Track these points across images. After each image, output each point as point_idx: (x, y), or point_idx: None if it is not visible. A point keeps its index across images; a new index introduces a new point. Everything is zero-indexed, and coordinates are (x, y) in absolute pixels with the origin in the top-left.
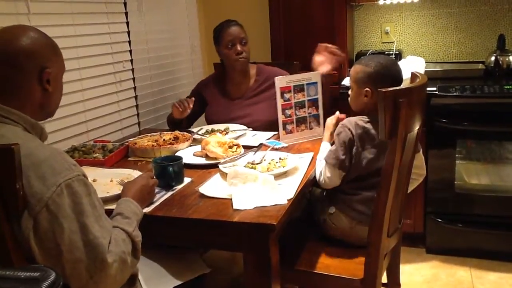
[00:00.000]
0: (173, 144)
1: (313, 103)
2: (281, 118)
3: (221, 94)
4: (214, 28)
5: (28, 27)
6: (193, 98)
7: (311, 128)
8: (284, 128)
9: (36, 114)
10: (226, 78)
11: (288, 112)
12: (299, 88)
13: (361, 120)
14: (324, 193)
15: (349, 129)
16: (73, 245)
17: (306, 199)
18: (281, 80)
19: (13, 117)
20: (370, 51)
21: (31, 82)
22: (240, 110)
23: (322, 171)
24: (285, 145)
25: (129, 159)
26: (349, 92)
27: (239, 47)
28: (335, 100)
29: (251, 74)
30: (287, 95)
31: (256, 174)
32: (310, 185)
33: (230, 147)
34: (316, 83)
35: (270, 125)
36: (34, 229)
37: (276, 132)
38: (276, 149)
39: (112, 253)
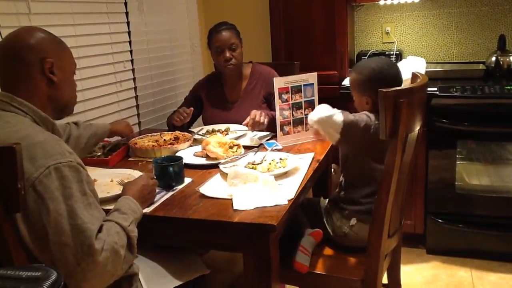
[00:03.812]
0: (173, 144)
1: (310, 104)
2: (279, 119)
3: (218, 97)
4: (209, 30)
5: (33, 27)
6: (192, 108)
7: (307, 130)
8: (282, 129)
9: (46, 107)
10: (222, 80)
11: (285, 113)
12: (297, 89)
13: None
14: (334, 205)
15: (368, 116)
16: (59, 228)
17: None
18: (279, 81)
19: (24, 108)
20: (370, 51)
21: (34, 73)
22: (235, 114)
23: (332, 114)
24: (280, 146)
25: (130, 159)
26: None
27: (227, 54)
28: (335, 100)
29: (245, 76)
30: (285, 96)
31: (256, 174)
32: (311, 186)
33: (231, 147)
34: (312, 84)
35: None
36: (22, 211)
37: (272, 133)
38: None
39: (101, 240)
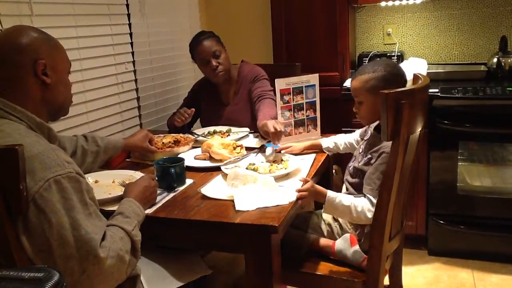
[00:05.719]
0: (172, 148)
1: (311, 105)
2: (280, 120)
3: (213, 98)
4: (189, 44)
5: (23, 26)
6: (193, 109)
7: (308, 131)
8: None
9: (41, 111)
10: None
11: (287, 114)
12: (298, 91)
13: None
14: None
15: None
16: (63, 241)
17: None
18: (281, 82)
19: (18, 114)
20: (372, 52)
21: (27, 76)
22: (230, 114)
23: (367, 206)
24: (278, 146)
25: (131, 160)
26: (355, 108)
27: (213, 62)
28: (336, 101)
29: (234, 78)
30: (286, 97)
31: (255, 175)
32: None
33: (234, 148)
34: (314, 85)
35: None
36: (23, 224)
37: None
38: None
39: (105, 248)
